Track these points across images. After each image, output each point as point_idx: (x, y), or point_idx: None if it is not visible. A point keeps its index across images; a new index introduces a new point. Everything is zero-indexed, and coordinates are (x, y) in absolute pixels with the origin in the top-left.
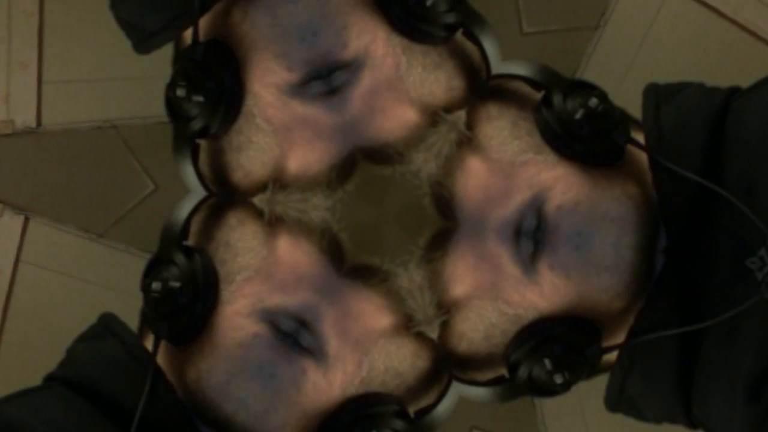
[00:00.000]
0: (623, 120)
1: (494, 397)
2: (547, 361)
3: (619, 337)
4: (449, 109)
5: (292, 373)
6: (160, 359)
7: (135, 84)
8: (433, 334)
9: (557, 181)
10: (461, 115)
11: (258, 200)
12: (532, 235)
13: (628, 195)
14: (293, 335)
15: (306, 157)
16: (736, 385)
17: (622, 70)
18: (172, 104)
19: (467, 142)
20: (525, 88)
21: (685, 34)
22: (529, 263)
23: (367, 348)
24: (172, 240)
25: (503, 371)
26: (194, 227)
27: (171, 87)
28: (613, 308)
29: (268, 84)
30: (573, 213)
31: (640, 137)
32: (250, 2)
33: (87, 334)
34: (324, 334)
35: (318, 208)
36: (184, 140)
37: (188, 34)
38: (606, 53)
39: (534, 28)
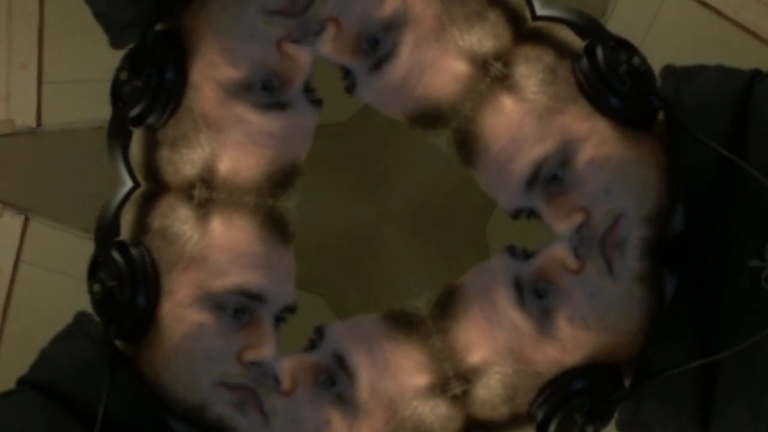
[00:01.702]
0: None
1: None
2: (577, 417)
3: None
4: (499, 57)
5: (315, 421)
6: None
7: None
8: (453, 405)
9: (591, 134)
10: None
11: (184, 182)
12: (544, 183)
13: (656, 162)
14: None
15: (237, 162)
16: (758, 413)
17: None
18: (116, 87)
19: (502, 80)
20: (565, 36)
21: (685, 34)
22: (545, 318)
23: (399, 407)
24: (105, 239)
25: (529, 429)
26: (127, 220)
27: (117, 69)
28: (633, 349)
29: (209, 78)
30: (603, 168)
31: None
32: None
33: (62, 334)
34: (360, 385)
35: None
36: (121, 125)
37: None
38: None
39: None
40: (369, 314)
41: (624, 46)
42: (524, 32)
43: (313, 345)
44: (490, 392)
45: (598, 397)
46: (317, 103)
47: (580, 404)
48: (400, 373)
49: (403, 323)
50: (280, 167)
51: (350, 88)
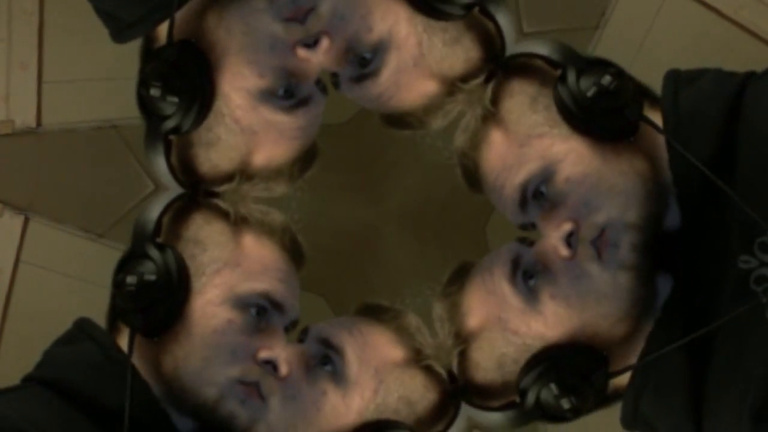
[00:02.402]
0: (636, 97)
1: (505, 422)
2: (553, 386)
3: (630, 362)
4: (466, 79)
5: (313, 394)
6: (134, 356)
7: (135, 84)
8: (453, 364)
9: (568, 154)
10: (478, 83)
11: (223, 202)
12: (534, 200)
13: (636, 170)
14: (259, 310)
15: (270, 154)
16: (742, 409)
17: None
18: (144, 102)
19: (491, 116)
20: (546, 66)
21: (685, 34)
22: (532, 294)
23: (383, 376)
24: (145, 237)
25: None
26: (163, 227)
27: (144, 85)
28: (615, 334)
29: (238, 88)
30: (581, 184)
31: (656, 116)
32: (225, 8)
33: (63, 338)
34: (348, 359)
35: (278, 205)
36: (157, 137)
37: (161, 31)
38: (606, 53)
39: (534, 28)
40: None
41: (594, 66)
42: (506, 66)
43: (300, 340)
44: (482, 355)
45: (577, 373)
46: (324, 89)
47: (558, 376)
48: (379, 347)
49: (373, 311)
50: (304, 150)
51: (336, 85)
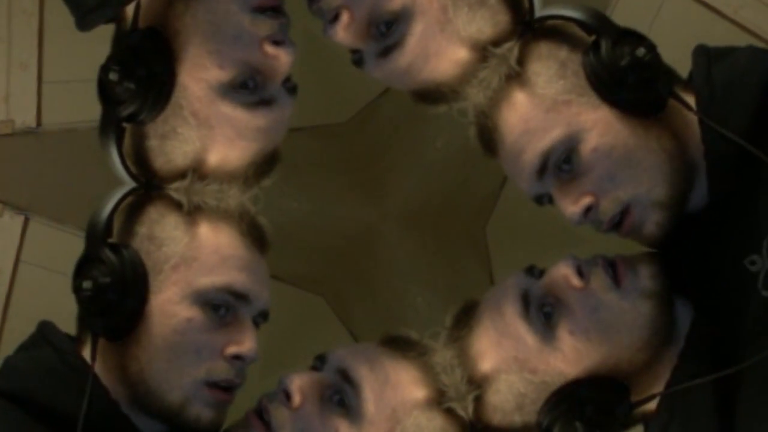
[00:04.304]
0: (669, 73)
1: None
2: (578, 425)
3: (652, 390)
4: (497, 43)
5: (324, 431)
6: (96, 361)
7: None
8: (468, 409)
9: (596, 124)
10: (510, 47)
11: (175, 191)
12: (554, 168)
13: (664, 148)
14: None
15: (225, 154)
16: None
17: None
18: (103, 87)
19: (516, 77)
20: (579, 31)
21: (685, 34)
22: (548, 331)
23: (401, 416)
24: (98, 238)
25: None
26: (116, 225)
27: (104, 70)
28: (636, 364)
29: (198, 79)
30: (608, 156)
31: (687, 96)
32: None
33: (25, 343)
34: (365, 397)
35: (234, 197)
36: (111, 123)
37: (129, 14)
38: None
39: None
40: (368, 342)
41: (629, 37)
42: (535, 28)
43: (316, 368)
44: (500, 398)
45: (601, 408)
46: (293, 90)
47: (582, 413)
48: (400, 386)
49: (399, 344)
50: (264, 155)
51: (359, 63)
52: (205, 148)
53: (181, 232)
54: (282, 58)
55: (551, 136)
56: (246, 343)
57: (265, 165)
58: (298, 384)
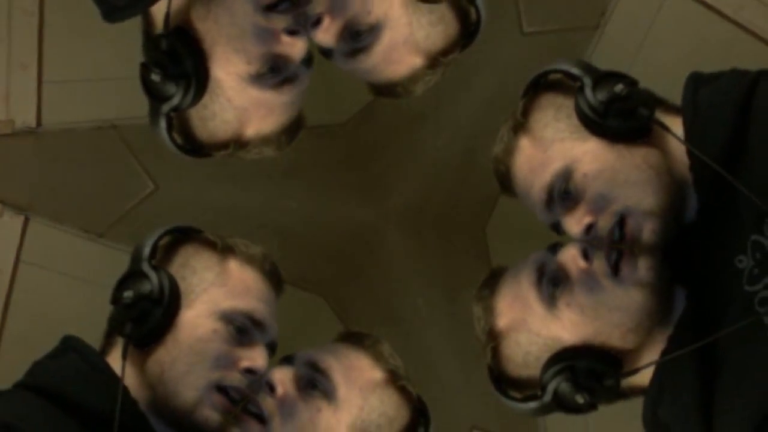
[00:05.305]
0: (648, 101)
1: (529, 412)
2: (569, 385)
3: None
4: (446, 53)
5: (309, 411)
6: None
7: (135, 84)
8: (487, 358)
9: (586, 154)
10: (455, 57)
11: (211, 234)
12: (559, 199)
13: (650, 164)
14: (245, 330)
15: (260, 126)
16: (745, 420)
17: (623, 70)
18: (147, 84)
19: (521, 127)
20: (566, 79)
21: (685, 34)
22: (551, 301)
23: (367, 394)
24: (141, 258)
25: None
26: (157, 253)
27: (146, 70)
28: (627, 342)
29: (229, 72)
30: (596, 178)
31: (672, 120)
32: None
33: (49, 354)
34: (336, 381)
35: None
36: (158, 114)
37: (156, 13)
38: (606, 53)
39: (534, 28)
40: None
41: (608, 77)
42: (539, 84)
43: (286, 361)
44: (510, 352)
45: (591, 374)
46: (310, 61)
47: (574, 377)
48: (362, 370)
49: (354, 338)
50: (291, 121)
51: (327, 55)
52: (242, 125)
53: (214, 263)
54: (298, 45)
55: (550, 171)
56: (259, 360)
57: (293, 128)
58: (279, 376)
